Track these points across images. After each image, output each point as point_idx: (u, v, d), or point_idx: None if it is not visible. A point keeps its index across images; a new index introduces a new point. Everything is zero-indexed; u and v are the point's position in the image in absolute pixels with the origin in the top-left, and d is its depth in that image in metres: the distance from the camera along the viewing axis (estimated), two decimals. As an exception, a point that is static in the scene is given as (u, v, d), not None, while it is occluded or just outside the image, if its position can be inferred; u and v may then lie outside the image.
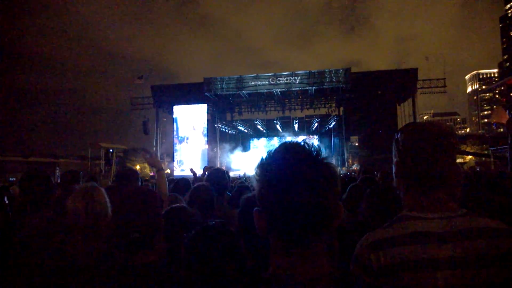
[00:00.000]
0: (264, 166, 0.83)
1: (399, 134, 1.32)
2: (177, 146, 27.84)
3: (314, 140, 29.25)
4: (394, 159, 1.33)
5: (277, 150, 0.84)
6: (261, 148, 30.72)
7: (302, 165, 0.78)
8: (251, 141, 33.31)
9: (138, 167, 30.37)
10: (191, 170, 5.55)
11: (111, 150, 21.70)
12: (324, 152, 0.83)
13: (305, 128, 32.76)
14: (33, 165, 30.12)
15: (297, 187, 0.76)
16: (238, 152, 29.73)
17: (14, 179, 20.56)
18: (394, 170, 1.34)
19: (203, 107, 27.52)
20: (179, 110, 28.09)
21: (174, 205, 2.25)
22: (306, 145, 0.83)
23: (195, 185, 3.24)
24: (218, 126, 28.93)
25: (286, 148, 0.83)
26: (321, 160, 0.81)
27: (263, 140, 32.91)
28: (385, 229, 1.24)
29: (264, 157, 0.85)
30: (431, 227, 1.17)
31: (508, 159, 3.13)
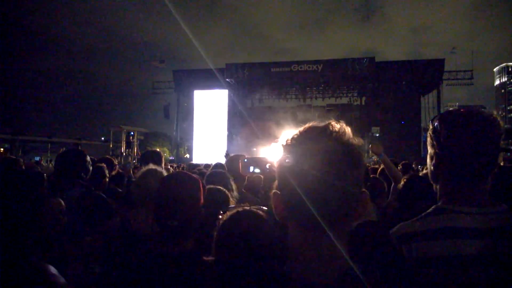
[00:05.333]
0: (284, 147, 0.81)
1: (437, 124, 1.24)
2: (197, 131, 28.01)
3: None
4: (431, 150, 1.27)
5: (300, 131, 0.81)
6: (281, 137, 30.57)
7: (322, 146, 0.75)
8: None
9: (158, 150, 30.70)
10: (226, 155, 5.63)
11: (132, 133, 22.07)
12: (350, 133, 0.79)
13: (326, 117, 32.32)
14: (56, 145, 30.87)
15: (314, 168, 0.73)
16: (257, 140, 29.65)
17: (39, 158, 21.12)
18: (431, 162, 1.27)
19: (224, 93, 27.50)
20: (199, 95, 28.17)
21: (210, 186, 2.26)
22: (330, 127, 0.79)
23: (210, 171, 3.30)
24: (238, 113, 28.87)
25: (309, 129, 0.81)
26: (344, 141, 0.77)
27: (283, 128, 32.63)
28: (419, 222, 1.22)
29: (287, 139, 0.83)
30: (466, 222, 1.13)
31: None
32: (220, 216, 1.49)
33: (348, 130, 0.79)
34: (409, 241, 1.17)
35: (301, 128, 0.82)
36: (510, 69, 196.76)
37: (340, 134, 0.77)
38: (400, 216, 1.30)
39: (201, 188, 1.62)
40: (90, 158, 5.25)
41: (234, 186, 2.96)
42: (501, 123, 1.19)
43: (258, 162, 3.15)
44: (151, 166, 2.43)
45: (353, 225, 1.04)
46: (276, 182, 0.83)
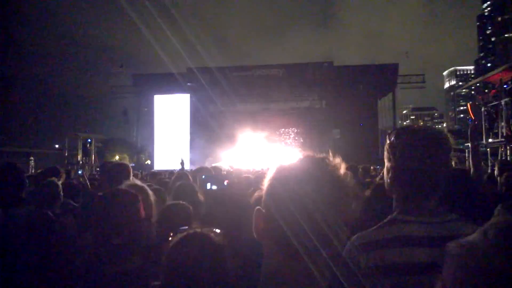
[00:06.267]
0: (275, 173, 0.82)
1: (393, 138, 1.31)
2: (158, 136, 27.46)
3: (297, 133, 29.54)
4: (388, 163, 1.34)
5: (296, 160, 0.83)
6: (243, 141, 30.47)
7: (315, 176, 0.77)
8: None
9: (117, 157, 29.79)
10: (182, 162, 5.56)
11: (89, 140, 21.21)
12: (343, 168, 0.81)
13: (289, 120, 32.74)
14: (6, 156, 29.14)
15: (305, 195, 0.74)
16: (220, 144, 29.51)
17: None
18: (388, 175, 1.34)
19: (186, 97, 27.19)
20: (160, 100, 27.67)
21: (173, 202, 2.21)
22: (326, 159, 0.81)
23: (179, 183, 3.23)
24: (201, 118, 28.61)
25: (304, 159, 0.82)
26: (337, 175, 0.79)
27: (246, 132, 32.74)
28: (374, 231, 1.27)
29: (279, 167, 0.83)
30: (418, 231, 1.21)
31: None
32: (170, 239, 1.45)
33: (342, 164, 0.81)
34: (367, 250, 1.22)
35: (297, 157, 0.83)
36: (458, 73, 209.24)
37: (334, 168, 0.80)
38: (367, 227, 1.33)
39: (140, 203, 1.61)
40: (37, 172, 4.95)
41: (202, 200, 2.89)
42: (451, 140, 1.30)
43: (216, 179, 3.12)
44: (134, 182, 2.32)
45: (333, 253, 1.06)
46: (262, 200, 0.83)
